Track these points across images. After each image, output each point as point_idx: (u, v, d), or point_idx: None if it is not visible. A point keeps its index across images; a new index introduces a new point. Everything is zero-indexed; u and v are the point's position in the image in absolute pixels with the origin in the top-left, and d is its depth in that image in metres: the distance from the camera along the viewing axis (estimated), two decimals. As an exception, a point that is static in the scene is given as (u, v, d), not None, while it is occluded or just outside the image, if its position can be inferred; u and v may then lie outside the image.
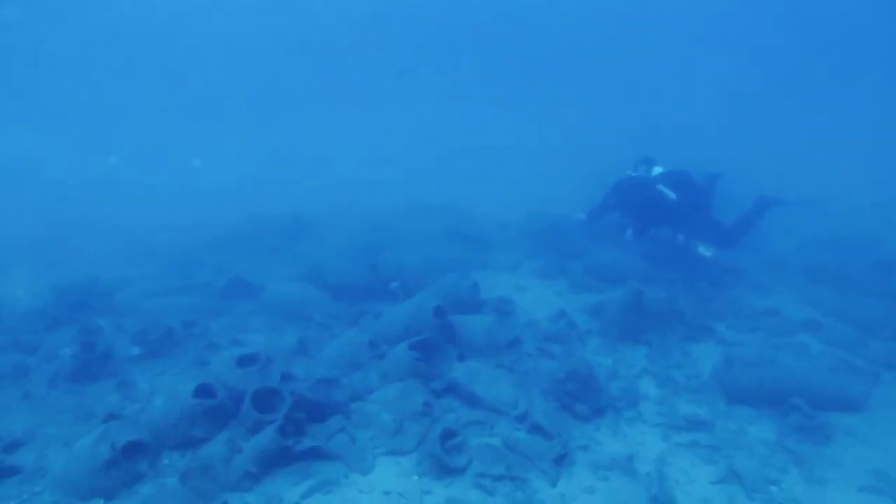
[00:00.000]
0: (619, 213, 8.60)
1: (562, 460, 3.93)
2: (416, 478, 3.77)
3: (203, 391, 4.23)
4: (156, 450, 3.99)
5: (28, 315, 6.69)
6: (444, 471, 3.77)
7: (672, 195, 7.94)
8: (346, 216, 12.64)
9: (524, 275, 8.41)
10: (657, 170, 8.38)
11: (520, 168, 19.82)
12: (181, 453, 4.02)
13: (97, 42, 31.21)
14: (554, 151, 22.32)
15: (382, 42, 33.91)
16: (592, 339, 6.25)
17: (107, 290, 7.82)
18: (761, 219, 8.32)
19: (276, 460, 3.77)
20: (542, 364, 5.27)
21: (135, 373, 5.52)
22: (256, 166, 21.54)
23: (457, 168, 20.16)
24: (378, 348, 5.21)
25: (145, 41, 32.85)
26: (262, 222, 11.86)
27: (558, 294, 7.63)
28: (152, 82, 32.91)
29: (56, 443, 4.30)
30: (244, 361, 4.60)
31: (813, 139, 23.58)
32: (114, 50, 32.17)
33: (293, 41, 35.61)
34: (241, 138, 26.56)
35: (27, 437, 4.37)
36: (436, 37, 35.02)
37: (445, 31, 34.59)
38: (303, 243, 10.57)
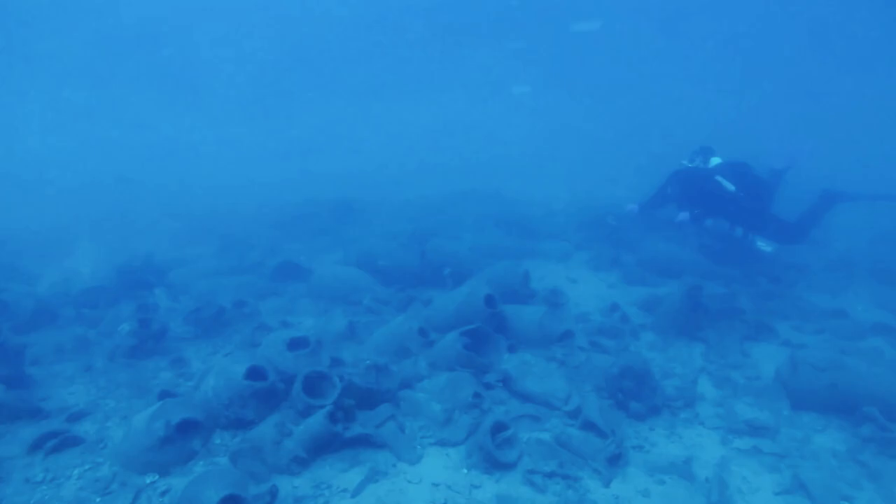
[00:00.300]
0: (675, 204, 8.30)
1: (616, 460, 3.80)
2: (465, 471, 3.71)
3: (254, 373, 4.26)
4: (208, 428, 4.05)
5: (90, 290, 6.92)
6: (494, 465, 3.69)
7: (731, 187, 7.61)
8: (394, 202, 12.65)
9: (575, 266, 8.22)
10: (715, 160, 8.03)
11: (568, 156, 19.46)
12: (232, 433, 4.07)
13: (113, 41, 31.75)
14: (603, 141, 21.80)
15: (417, 28, 33.47)
16: (646, 334, 6.06)
17: (162, 269, 8.04)
18: (827, 214, 7.87)
19: (326, 446, 3.77)
20: (595, 358, 5.12)
21: (188, 350, 5.64)
22: (304, 154, 21.88)
23: (504, 156, 19.94)
24: (428, 336, 5.15)
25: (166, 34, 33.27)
26: (311, 206, 12.03)
27: (611, 286, 7.43)
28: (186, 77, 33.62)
29: (115, 416, 4.42)
30: (295, 344, 4.62)
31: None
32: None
33: (326, 32, 35.62)
34: (291, 127, 26.99)
35: (89, 409, 4.51)
36: (477, 21, 34.51)
37: (487, 16, 34.04)
38: (351, 228, 10.65)
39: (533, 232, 9.82)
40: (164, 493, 3.49)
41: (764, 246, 7.82)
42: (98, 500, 3.45)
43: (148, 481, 3.59)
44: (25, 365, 5.12)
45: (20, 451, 3.89)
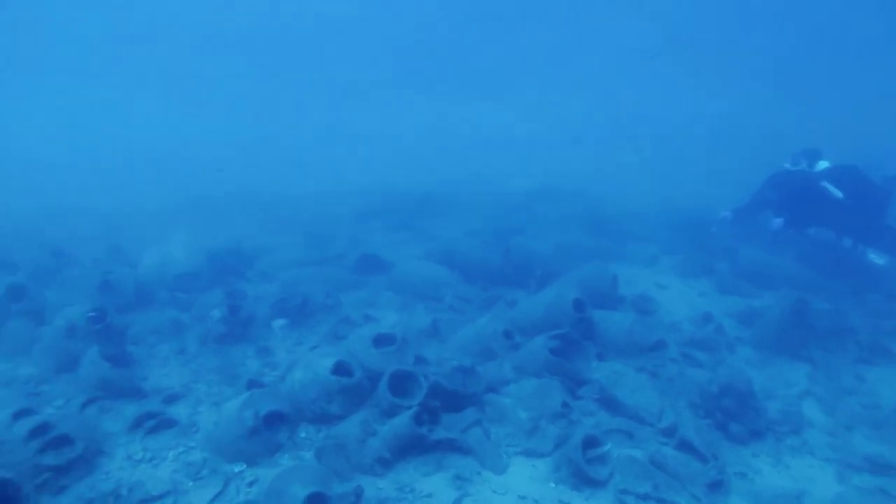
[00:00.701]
0: (773, 211, 7.75)
1: (717, 487, 3.52)
2: (552, 485, 3.55)
3: (340, 368, 4.27)
4: (294, 422, 4.09)
5: (183, 275, 7.23)
6: (584, 481, 3.51)
7: (839, 193, 7.01)
8: (476, 197, 12.53)
9: (663, 271, 7.81)
10: (822, 164, 7.42)
11: (654, 154, 18.72)
12: (317, 428, 4.08)
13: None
14: (693, 139, 20.79)
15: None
16: (743, 348, 5.65)
17: (250, 257, 8.31)
18: None
19: (410, 448, 3.71)
20: (689, 372, 4.81)
21: (273, 339, 5.76)
22: (392, 148, 22.23)
23: (587, 153, 19.43)
24: (513, 338, 4.99)
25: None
26: (393, 199, 12.13)
27: (702, 295, 7.00)
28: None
29: (206, 401, 4.55)
30: (380, 341, 4.60)
31: None
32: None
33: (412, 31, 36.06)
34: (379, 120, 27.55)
35: (183, 392, 4.67)
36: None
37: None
38: (432, 222, 10.62)
39: (619, 233, 9.45)
40: (251, 484, 3.54)
41: (876, 258, 7.17)
42: (191, 483, 3.54)
43: (236, 470, 3.65)
44: (127, 344, 5.40)
45: (123, 428, 4.08)
